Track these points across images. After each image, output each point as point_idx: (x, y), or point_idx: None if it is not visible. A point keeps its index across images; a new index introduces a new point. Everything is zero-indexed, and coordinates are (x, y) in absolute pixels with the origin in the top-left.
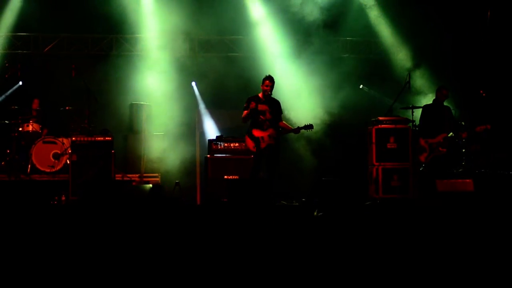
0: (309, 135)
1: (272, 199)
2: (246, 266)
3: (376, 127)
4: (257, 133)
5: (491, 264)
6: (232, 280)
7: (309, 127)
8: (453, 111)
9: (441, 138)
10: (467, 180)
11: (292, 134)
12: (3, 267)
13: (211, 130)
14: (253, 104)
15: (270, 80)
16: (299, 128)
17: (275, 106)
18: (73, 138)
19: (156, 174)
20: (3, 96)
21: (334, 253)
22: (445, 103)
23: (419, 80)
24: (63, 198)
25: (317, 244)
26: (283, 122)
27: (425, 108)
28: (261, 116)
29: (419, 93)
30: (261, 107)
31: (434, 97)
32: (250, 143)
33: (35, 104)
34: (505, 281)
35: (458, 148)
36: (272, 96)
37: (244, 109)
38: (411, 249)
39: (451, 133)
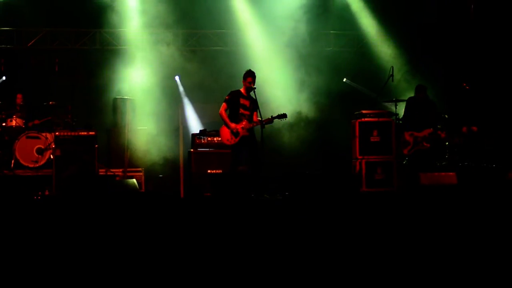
0: (293, 128)
1: (255, 192)
2: (229, 260)
3: (359, 120)
4: (232, 125)
5: (475, 257)
6: (215, 274)
7: (282, 116)
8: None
9: (426, 133)
10: (450, 173)
11: (276, 125)
12: None
13: (194, 124)
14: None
15: (251, 75)
16: (272, 118)
17: (254, 103)
18: (57, 133)
19: (140, 169)
20: None
21: (317, 247)
22: (429, 96)
23: (402, 73)
24: (46, 193)
25: (300, 238)
26: (257, 116)
27: (409, 100)
28: (241, 110)
29: (402, 86)
30: (243, 101)
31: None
32: (223, 136)
33: (19, 99)
34: (488, 273)
35: (441, 142)
36: (255, 90)
37: (225, 102)
38: (395, 242)
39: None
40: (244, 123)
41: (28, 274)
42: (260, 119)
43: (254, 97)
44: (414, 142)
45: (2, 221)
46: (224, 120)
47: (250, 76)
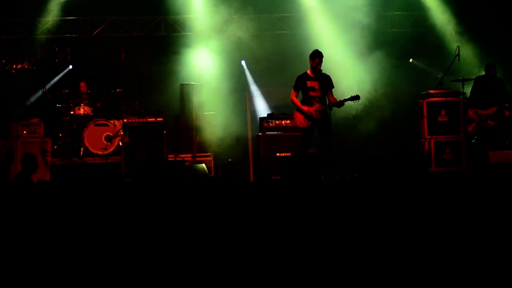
0: (360, 110)
1: (325, 175)
2: (304, 243)
3: (427, 100)
4: (305, 108)
5: None
6: (286, 257)
7: (355, 98)
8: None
9: (491, 111)
10: None
11: (345, 108)
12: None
13: (262, 108)
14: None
15: (318, 55)
16: (345, 100)
17: (325, 81)
18: (125, 120)
19: (209, 154)
20: (54, 80)
21: (389, 228)
22: (498, 76)
23: (469, 52)
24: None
25: (372, 220)
26: (333, 97)
27: (477, 79)
28: (310, 93)
29: (469, 65)
30: (310, 83)
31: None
32: (297, 119)
33: (83, 87)
34: None
35: (506, 121)
36: (322, 71)
37: (293, 88)
38: (467, 222)
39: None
40: (317, 106)
41: (103, 258)
42: (332, 102)
43: (326, 74)
44: (478, 120)
45: (74, 207)
46: (296, 105)
47: (317, 56)
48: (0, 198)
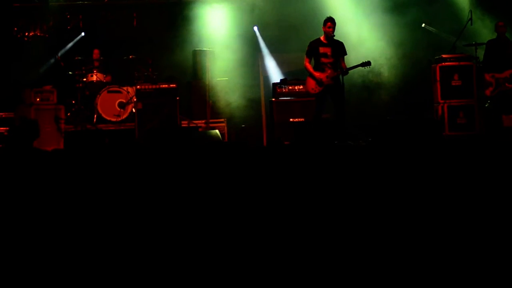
0: (373, 75)
1: (339, 139)
2: (317, 210)
3: (440, 64)
4: (316, 74)
5: None
6: (300, 224)
7: (366, 64)
8: None
9: (507, 73)
10: None
11: (358, 72)
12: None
13: (274, 74)
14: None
15: (331, 21)
16: (355, 66)
17: (338, 48)
18: (138, 87)
19: (222, 120)
20: (67, 48)
21: (402, 195)
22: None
23: (481, 16)
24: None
25: (385, 185)
26: (345, 63)
27: (489, 43)
28: (322, 59)
29: (481, 29)
30: (323, 49)
31: (495, 34)
32: (308, 85)
33: (96, 54)
34: None
35: None
36: (334, 37)
37: (306, 54)
38: (480, 188)
39: None
40: (329, 72)
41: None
42: (344, 67)
43: (339, 41)
44: (496, 83)
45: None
46: (308, 71)
47: (329, 21)
48: (16, 167)
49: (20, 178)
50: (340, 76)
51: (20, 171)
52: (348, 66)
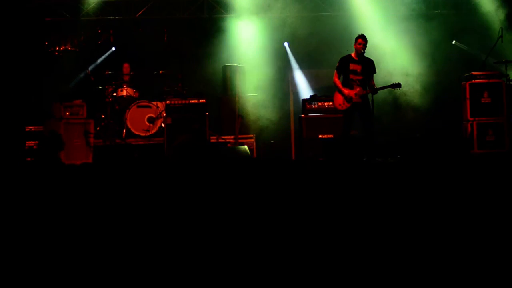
0: (402, 92)
1: (367, 156)
2: (346, 223)
3: (469, 82)
4: (345, 91)
5: None
6: (330, 234)
7: (396, 85)
8: None
9: None
10: None
11: (385, 91)
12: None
13: (304, 90)
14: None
15: (363, 38)
16: (385, 87)
17: (368, 66)
18: (167, 102)
19: (251, 135)
20: (97, 62)
21: (433, 213)
22: None
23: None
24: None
25: (415, 203)
26: (373, 81)
27: None
28: (351, 76)
29: None
30: (353, 66)
31: None
32: (336, 101)
33: (126, 69)
34: None
35: None
36: (365, 55)
37: (336, 70)
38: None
39: None
40: (358, 90)
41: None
42: (373, 84)
43: (369, 58)
44: None
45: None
46: (337, 87)
47: (360, 38)
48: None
49: (48, 192)
50: (369, 95)
51: (49, 185)
52: (377, 86)
